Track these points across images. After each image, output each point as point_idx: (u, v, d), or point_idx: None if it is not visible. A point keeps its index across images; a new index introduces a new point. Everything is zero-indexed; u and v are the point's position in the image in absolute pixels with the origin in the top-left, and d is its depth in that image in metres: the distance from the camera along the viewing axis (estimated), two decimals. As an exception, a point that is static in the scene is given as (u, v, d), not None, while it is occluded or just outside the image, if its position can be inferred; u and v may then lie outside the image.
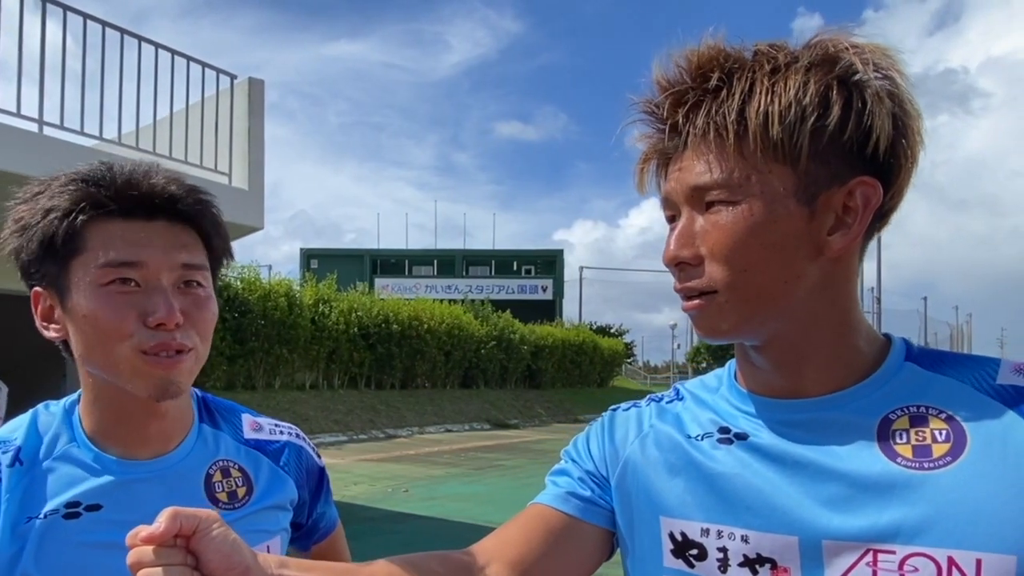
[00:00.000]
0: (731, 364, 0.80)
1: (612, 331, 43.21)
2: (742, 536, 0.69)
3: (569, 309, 45.11)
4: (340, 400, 18.32)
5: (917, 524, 0.62)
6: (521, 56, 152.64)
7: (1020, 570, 0.58)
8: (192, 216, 0.88)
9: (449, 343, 22.40)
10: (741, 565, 0.69)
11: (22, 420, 0.91)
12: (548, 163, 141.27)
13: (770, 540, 0.67)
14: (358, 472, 11.06)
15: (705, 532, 0.71)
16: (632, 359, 47.39)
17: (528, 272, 46.97)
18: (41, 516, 0.83)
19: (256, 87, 6.72)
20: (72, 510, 0.84)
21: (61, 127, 5.38)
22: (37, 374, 11.58)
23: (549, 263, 46.29)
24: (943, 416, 0.66)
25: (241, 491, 0.94)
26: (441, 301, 24.35)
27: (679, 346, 49.86)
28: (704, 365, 47.63)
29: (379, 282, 37.27)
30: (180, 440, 0.93)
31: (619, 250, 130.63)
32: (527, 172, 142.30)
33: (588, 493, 0.80)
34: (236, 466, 0.96)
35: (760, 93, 0.64)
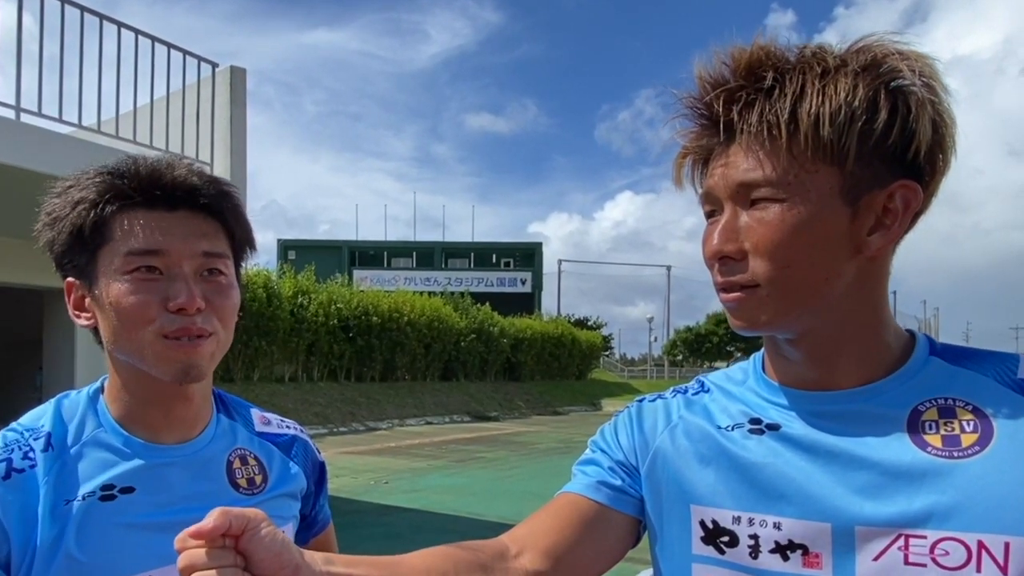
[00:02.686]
0: (756, 357, 0.82)
1: (590, 324, 43.39)
2: (774, 523, 0.71)
3: (547, 302, 45.28)
4: (320, 393, 18.20)
5: (947, 510, 0.65)
6: (500, 48, 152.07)
7: None
8: (213, 206, 0.91)
9: (429, 336, 22.34)
10: (772, 551, 0.71)
11: (45, 409, 0.92)
12: (526, 156, 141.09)
13: (803, 527, 0.70)
14: (340, 465, 11.01)
15: (736, 520, 0.73)
16: (610, 352, 47.62)
17: (507, 265, 46.92)
18: (78, 498, 0.84)
19: (238, 75, 6.62)
20: (107, 492, 0.86)
21: (39, 114, 5.24)
22: (13, 365, 11.34)
23: (528, 256, 46.28)
24: (970, 408, 0.68)
25: (258, 478, 0.98)
26: (420, 293, 24.27)
27: (656, 339, 50.27)
28: (680, 358, 48.04)
29: (358, 274, 37.02)
30: (203, 427, 0.96)
31: (593, 243, 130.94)
32: (505, 164, 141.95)
33: (618, 482, 0.82)
34: (252, 455, 0.99)
35: (812, 94, 0.66)
